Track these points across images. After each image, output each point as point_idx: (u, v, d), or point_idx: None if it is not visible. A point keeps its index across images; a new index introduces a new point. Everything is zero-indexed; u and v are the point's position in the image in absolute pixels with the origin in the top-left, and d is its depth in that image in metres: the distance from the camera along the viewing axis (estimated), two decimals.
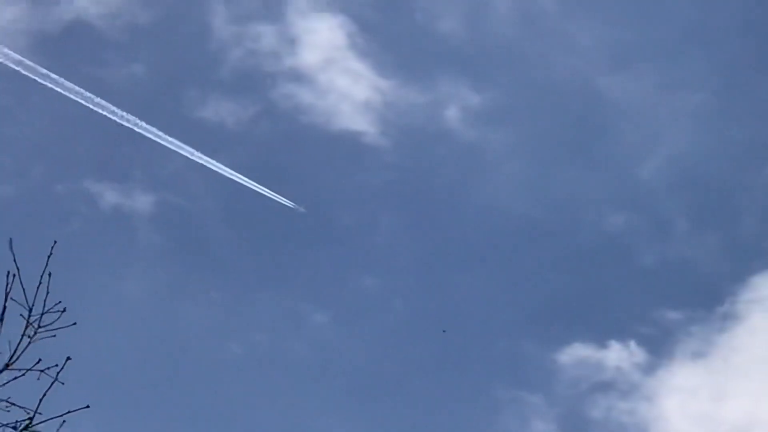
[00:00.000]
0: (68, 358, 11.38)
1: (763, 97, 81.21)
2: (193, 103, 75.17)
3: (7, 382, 11.46)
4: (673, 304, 72.79)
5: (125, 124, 67.77)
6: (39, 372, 11.34)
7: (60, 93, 66.86)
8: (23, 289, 11.32)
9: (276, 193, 72.90)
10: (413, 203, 76.76)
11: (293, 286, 73.91)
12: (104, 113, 67.40)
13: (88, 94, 67.07)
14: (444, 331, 68.81)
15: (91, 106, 67.12)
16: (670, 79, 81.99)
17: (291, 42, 77.40)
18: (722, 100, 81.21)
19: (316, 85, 76.96)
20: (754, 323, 71.34)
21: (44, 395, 11.30)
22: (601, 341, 71.02)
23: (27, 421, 11.48)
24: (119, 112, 67.80)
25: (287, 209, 73.24)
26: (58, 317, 11.51)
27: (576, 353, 70.18)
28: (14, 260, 11.38)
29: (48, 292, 11.46)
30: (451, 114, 77.62)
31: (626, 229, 77.01)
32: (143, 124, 68.67)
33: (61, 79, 66.93)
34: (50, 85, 66.69)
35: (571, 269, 76.27)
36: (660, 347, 71.39)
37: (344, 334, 72.76)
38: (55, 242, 11.65)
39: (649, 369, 70.02)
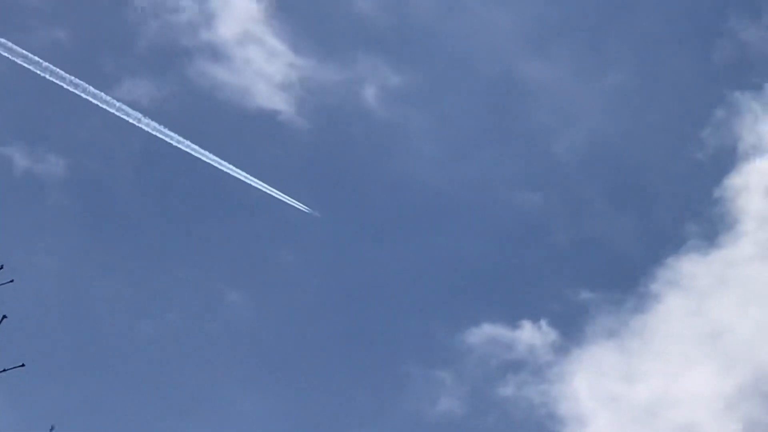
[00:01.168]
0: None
1: (680, 79, 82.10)
2: (109, 83, 72.93)
3: None
4: (588, 285, 73.07)
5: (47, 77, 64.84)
6: None
7: None
8: None
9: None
10: (329, 181, 76.52)
11: (208, 262, 73.53)
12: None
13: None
14: None
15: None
16: (588, 61, 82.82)
17: (209, 16, 76.84)
18: (640, 82, 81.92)
19: (233, 62, 76.40)
20: (669, 304, 71.79)
21: None
22: (513, 320, 71.02)
23: None
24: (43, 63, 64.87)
25: (206, 184, 73.40)
26: None
27: (487, 332, 70.16)
28: None
29: None
30: (370, 93, 77.57)
31: (541, 208, 77.39)
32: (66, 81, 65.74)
33: None
34: None
35: (486, 248, 76.19)
36: (573, 327, 71.43)
37: (258, 311, 72.35)
38: None
39: (561, 349, 70.06)
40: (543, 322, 70.21)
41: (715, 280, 72.65)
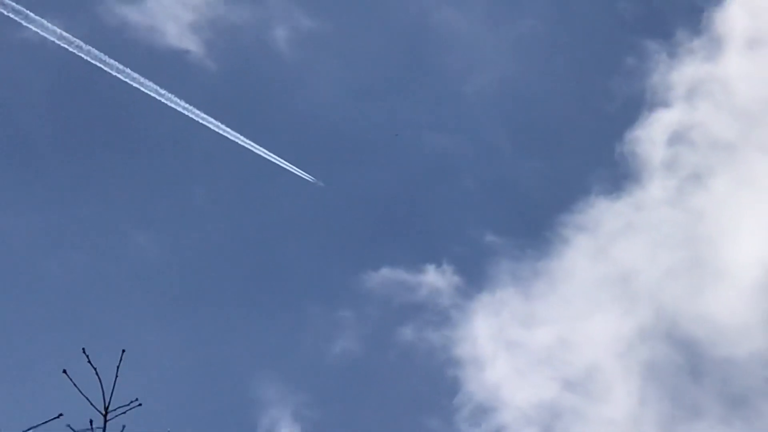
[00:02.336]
0: None
1: (591, 26, 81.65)
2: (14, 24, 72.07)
3: None
4: (494, 229, 72.79)
5: None
6: None
7: None
8: None
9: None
10: (237, 121, 74.51)
11: (116, 201, 72.86)
12: None
13: None
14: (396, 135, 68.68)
15: None
16: (500, 8, 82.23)
17: None
18: (551, 29, 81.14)
19: (144, 2, 75.05)
20: (575, 249, 71.67)
21: None
22: (417, 263, 70.76)
23: None
24: None
25: (118, 119, 72.58)
26: None
27: (390, 274, 70.01)
28: None
29: None
30: (280, 35, 76.63)
31: (449, 151, 77.01)
32: None
33: None
34: None
35: (392, 189, 75.96)
36: (477, 271, 71.40)
37: (165, 251, 72.00)
38: None
39: (464, 292, 69.87)
40: (447, 265, 70.08)
41: (622, 226, 72.86)
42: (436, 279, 69.27)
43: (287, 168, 72.87)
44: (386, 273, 69.56)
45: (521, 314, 69.22)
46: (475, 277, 70.60)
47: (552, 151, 77.41)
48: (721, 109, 75.00)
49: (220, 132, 71.56)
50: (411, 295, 69.31)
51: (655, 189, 73.58)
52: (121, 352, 14.41)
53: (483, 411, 65.06)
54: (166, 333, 68.22)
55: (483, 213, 74.13)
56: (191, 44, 74.52)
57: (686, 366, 67.42)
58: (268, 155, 73.93)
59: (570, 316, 69.59)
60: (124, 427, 14.02)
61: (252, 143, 72.14)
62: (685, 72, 75.24)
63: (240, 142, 71.68)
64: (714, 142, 74.26)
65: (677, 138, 74.37)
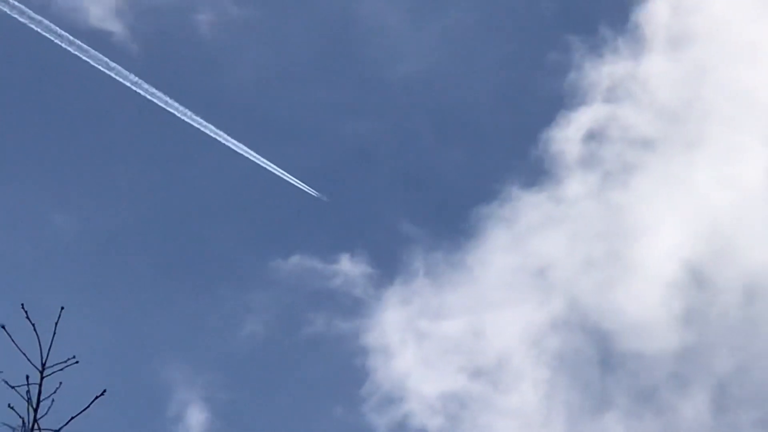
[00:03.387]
0: None
1: (516, 22, 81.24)
2: None
3: None
4: (411, 219, 72.90)
5: None
6: None
7: None
8: None
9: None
10: (156, 106, 73.66)
11: (32, 181, 72.51)
12: None
13: None
14: None
15: None
16: (425, 1, 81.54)
17: None
18: (475, 22, 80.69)
19: None
20: (491, 241, 71.60)
21: None
22: (331, 251, 70.74)
23: None
24: None
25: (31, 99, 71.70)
26: None
27: (303, 261, 69.77)
28: None
29: None
30: (204, 20, 75.83)
31: (369, 138, 76.46)
32: None
33: None
34: None
35: (309, 175, 74.58)
36: (392, 261, 71.40)
37: (83, 234, 71.46)
38: None
39: (377, 282, 69.69)
40: (361, 254, 69.73)
41: (539, 219, 72.94)
42: (349, 267, 69.17)
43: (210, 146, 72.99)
44: (299, 260, 69.50)
45: (433, 305, 69.36)
46: (388, 267, 70.60)
47: (472, 143, 77.60)
48: (642, 107, 75.36)
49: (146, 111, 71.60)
50: (323, 283, 69.32)
51: (573, 184, 73.84)
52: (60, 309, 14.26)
53: (390, 400, 65.11)
54: (77, 316, 67.82)
55: (400, 202, 74.27)
56: (114, 26, 74.18)
57: (597, 358, 67.84)
58: (186, 140, 73.97)
59: (483, 307, 69.75)
60: (60, 383, 13.94)
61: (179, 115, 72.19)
62: (608, 69, 75.46)
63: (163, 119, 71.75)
64: (634, 140, 74.61)
65: (598, 134, 74.67)
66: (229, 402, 65.34)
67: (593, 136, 74.37)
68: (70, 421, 13.65)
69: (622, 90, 75.28)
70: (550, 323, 68.09)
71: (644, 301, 69.84)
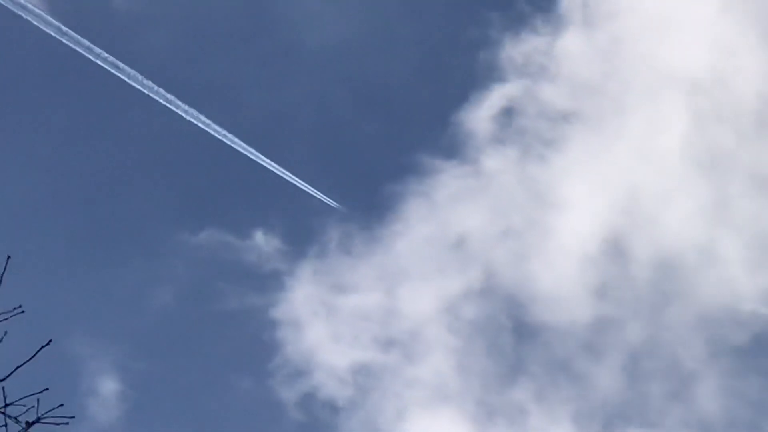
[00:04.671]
0: None
1: None
2: None
3: None
4: (326, 192, 71.39)
5: None
6: None
7: None
8: None
9: None
10: (76, 77, 73.04)
11: None
12: None
13: None
14: None
15: None
16: None
17: None
18: None
19: None
20: (407, 215, 71.13)
21: None
22: (244, 225, 70.39)
23: None
24: None
25: None
26: None
27: (216, 235, 69.22)
28: None
29: None
30: None
31: (284, 109, 75.65)
32: None
33: None
34: None
35: (226, 147, 74.06)
36: (305, 235, 70.96)
37: None
38: None
39: (290, 256, 69.18)
40: (274, 228, 69.23)
41: (457, 192, 72.91)
42: (261, 241, 68.80)
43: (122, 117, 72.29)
44: (211, 233, 68.96)
45: (347, 278, 68.99)
46: (302, 241, 70.33)
47: (389, 116, 77.02)
48: (560, 82, 75.45)
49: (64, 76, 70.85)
50: (234, 256, 68.63)
51: (491, 157, 73.77)
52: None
53: (299, 373, 64.82)
54: None
55: (315, 175, 73.69)
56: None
57: (511, 329, 67.96)
58: (106, 112, 73.11)
59: (397, 280, 69.45)
60: (6, 332, 13.69)
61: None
62: (526, 44, 75.35)
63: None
64: (552, 114, 74.59)
65: (516, 108, 74.59)
66: (141, 373, 65.01)
67: (511, 111, 74.42)
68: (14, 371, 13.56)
69: (540, 65, 75.26)
70: (465, 294, 68.23)
71: (560, 273, 70.11)
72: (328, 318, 67.22)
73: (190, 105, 71.14)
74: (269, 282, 67.82)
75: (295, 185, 72.08)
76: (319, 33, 77.05)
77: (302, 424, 64.28)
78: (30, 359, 13.54)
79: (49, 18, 66.64)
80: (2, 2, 65.72)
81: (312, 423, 64.26)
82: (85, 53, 66.77)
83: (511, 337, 67.58)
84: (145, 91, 67.16)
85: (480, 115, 73.90)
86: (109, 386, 62.63)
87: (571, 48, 75.41)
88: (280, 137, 74.80)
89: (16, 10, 66.19)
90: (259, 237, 68.80)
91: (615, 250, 70.39)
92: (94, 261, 70.04)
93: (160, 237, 70.51)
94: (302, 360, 64.98)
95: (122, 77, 67.26)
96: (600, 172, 74.34)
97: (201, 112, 72.27)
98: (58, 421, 12.89)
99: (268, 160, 72.57)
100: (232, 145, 71.08)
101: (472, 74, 75.20)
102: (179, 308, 67.49)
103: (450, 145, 73.45)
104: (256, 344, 66.22)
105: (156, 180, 73.09)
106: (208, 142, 73.60)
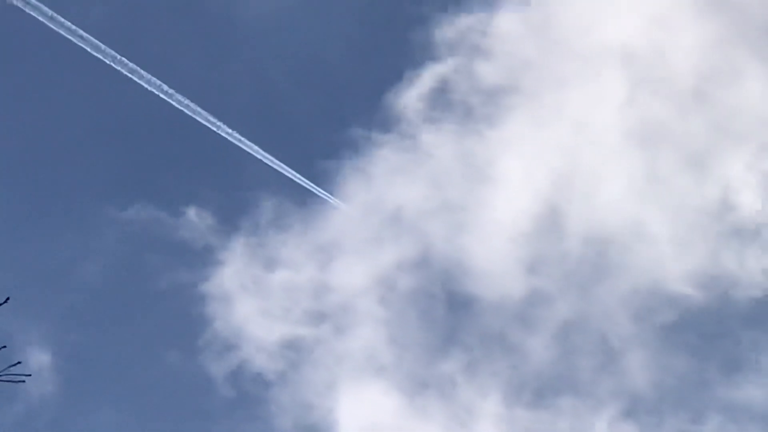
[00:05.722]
0: None
1: None
2: None
3: None
4: (259, 166, 70.71)
5: None
6: None
7: None
8: None
9: None
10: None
11: None
12: None
13: None
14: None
15: None
16: None
17: None
18: None
19: None
20: (342, 191, 71.25)
21: None
22: (176, 200, 69.96)
23: None
24: None
25: None
26: None
27: (147, 210, 69.15)
28: None
29: None
30: None
31: (219, 82, 75.23)
32: None
33: None
34: None
35: (159, 124, 73.72)
36: (238, 211, 70.56)
37: None
38: None
39: (222, 233, 69.23)
40: (206, 204, 69.24)
41: (392, 166, 72.98)
42: (193, 217, 68.78)
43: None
44: (142, 207, 69.00)
45: (279, 253, 68.83)
46: (234, 217, 70.02)
47: (326, 91, 76.93)
48: (496, 58, 75.75)
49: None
50: (166, 232, 68.50)
51: (428, 133, 73.98)
52: None
53: (228, 348, 64.89)
54: None
55: (248, 150, 73.52)
56: None
57: (445, 302, 68.24)
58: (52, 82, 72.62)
59: (331, 254, 69.62)
60: None
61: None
62: (463, 20, 75.70)
63: None
64: (489, 90, 74.86)
65: (452, 85, 74.76)
66: (71, 347, 65.01)
67: (447, 87, 74.50)
68: None
69: (475, 42, 75.56)
70: (398, 268, 68.37)
71: (494, 247, 70.32)
72: (259, 293, 67.32)
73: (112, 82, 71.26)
74: (200, 257, 67.83)
75: (224, 159, 72.23)
76: (255, 6, 77.04)
77: (232, 399, 64.43)
78: None
79: None
80: None
81: (242, 397, 64.45)
82: (22, 6, 66.48)
83: (444, 310, 67.98)
84: (89, 49, 66.85)
85: (416, 90, 74.04)
86: (40, 359, 62.71)
87: (506, 24, 75.64)
88: (212, 112, 74.56)
89: None
90: (191, 212, 68.86)
91: (549, 225, 70.78)
92: (22, 234, 69.90)
93: (90, 211, 70.30)
94: (232, 335, 65.09)
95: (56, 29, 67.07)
96: (536, 147, 74.63)
97: (130, 88, 72.26)
98: (15, 379, 12.98)
99: (203, 112, 72.53)
100: (168, 101, 70.75)
101: (409, 50, 75.29)
102: (109, 283, 67.48)
103: (386, 120, 73.60)
104: (186, 319, 66.24)
105: (86, 151, 72.93)
106: (141, 111, 73.65)
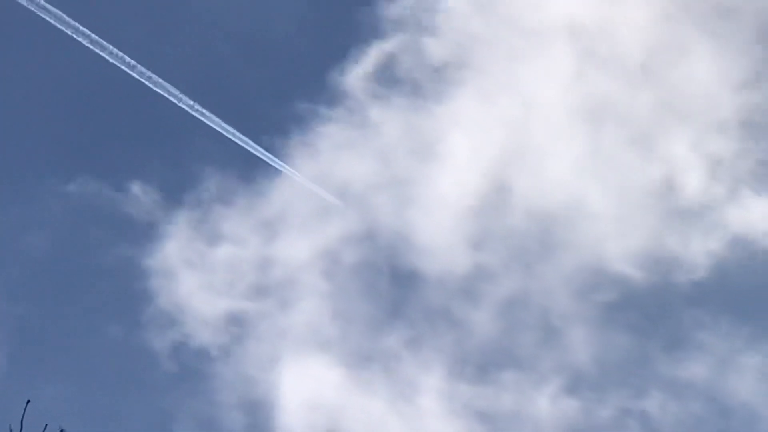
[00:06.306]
0: None
1: None
2: None
3: None
4: (206, 141, 71.78)
5: None
6: None
7: None
8: None
9: None
10: None
11: None
12: None
13: None
14: None
15: None
16: None
17: None
18: None
19: None
20: (289, 164, 71.41)
21: None
22: (121, 175, 69.76)
23: None
24: None
25: None
26: None
27: (92, 184, 69.02)
28: None
29: None
30: None
31: (166, 58, 74.00)
32: None
33: None
34: None
35: (109, 96, 73.54)
36: (184, 186, 70.52)
37: None
38: None
39: (166, 208, 69.28)
40: (151, 179, 69.28)
41: (340, 142, 73.15)
42: (137, 192, 68.64)
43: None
44: (87, 181, 68.82)
45: (224, 228, 68.71)
46: (179, 192, 70.00)
47: (274, 66, 76.87)
48: (443, 36, 75.83)
49: None
50: (109, 205, 68.51)
51: (375, 109, 74.16)
52: None
53: (170, 323, 64.80)
54: None
55: (195, 125, 73.23)
56: None
57: (390, 276, 68.64)
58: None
59: (276, 228, 69.72)
60: None
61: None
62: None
63: None
64: (436, 68, 75.10)
65: (400, 62, 74.91)
66: (11, 321, 64.88)
67: (395, 63, 74.72)
68: None
69: (422, 18, 75.68)
70: (343, 242, 68.70)
71: (440, 223, 70.54)
72: (203, 267, 67.27)
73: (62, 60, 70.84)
74: (143, 232, 67.76)
75: (171, 134, 72.01)
76: None
77: (175, 373, 64.42)
78: None
79: None
80: None
81: (184, 372, 64.48)
82: None
83: (389, 285, 68.20)
84: (34, 9, 66.26)
85: (364, 66, 74.14)
86: None
87: (453, 1, 75.84)
88: (164, 78, 74.10)
89: None
90: (135, 186, 68.72)
91: (495, 201, 71.04)
92: None
93: (32, 183, 69.94)
94: (175, 309, 65.00)
95: None
96: (483, 123, 74.79)
97: (80, 65, 71.89)
98: None
99: (144, 109, 72.27)
100: (116, 64, 70.19)
101: (356, 27, 75.28)
102: (52, 257, 67.14)
103: (333, 96, 73.61)
104: (129, 294, 66.16)
105: (28, 122, 72.48)
106: (90, 91, 73.35)
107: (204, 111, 68.75)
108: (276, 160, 70.79)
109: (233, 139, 70.25)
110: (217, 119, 69.58)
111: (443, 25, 74.78)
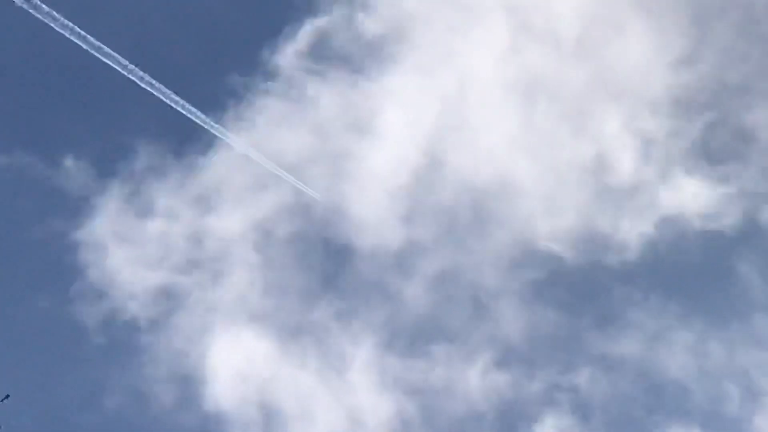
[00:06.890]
0: None
1: None
2: None
3: None
4: (140, 118, 71.49)
5: None
6: None
7: None
8: None
9: None
10: None
11: None
12: None
13: None
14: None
15: None
16: None
17: None
18: None
19: None
20: (223, 139, 71.36)
21: None
22: (53, 150, 69.02)
23: None
24: None
25: None
26: None
27: (22, 158, 68.32)
28: None
29: None
30: None
31: (108, 39, 74.03)
32: None
33: None
34: None
35: (45, 71, 73.13)
36: (115, 161, 70.06)
37: None
38: None
39: (97, 182, 68.69)
40: (83, 152, 69.16)
41: (276, 117, 72.96)
42: (70, 166, 68.46)
43: None
44: (18, 156, 68.58)
45: (156, 203, 68.39)
46: (111, 165, 69.74)
47: (210, 42, 76.29)
48: (377, 13, 75.86)
49: None
50: (41, 179, 68.28)
51: (311, 84, 74.10)
52: None
53: (100, 296, 64.83)
54: None
55: (129, 102, 72.80)
56: None
57: (320, 250, 68.84)
58: None
59: (209, 203, 69.56)
60: None
61: None
62: None
63: None
64: (370, 43, 75.09)
65: (335, 38, 74.84)
66: None
67: (331, 38, 74.76)
68: None
69: None
70: (276, 217, 68.79)
71: (373, 198, 70.61)
72: (134, 241, 67.19)
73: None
74: (75, 205, 67.50)
75: (105, 110, 71.60)
76: None
77: (104, 346, 64.39)
78: None
79: None
80: None
81: (114, 344, 64.40)
82: None
83: (321, 258, 68.36)
84: None
85: (299, 43, 74.12)
86: None
87: None
88: (91, 65, 73.72)
89: None
90: (68, 159, 68.41)
91: (428, 176, 71.25)
92: None
93: None
94: (105, 283, 64.92)
95: None
96: (418, 98, 74.90)
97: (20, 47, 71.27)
98: None
99: (83, 84, 71.76)
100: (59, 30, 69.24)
101: (291, 2, 75.23)
102: None
103: (270, 71, 73.60)
104: (59, 267, 65.83)
105: None
106: (25, 50, 72.63)
107: (143, 75, 68.37)
108: (214, 125, 70.74)
109: (170, 104, 70.00)
110: (158, 85, 69.31)
111: (378, 1, 74.89)
